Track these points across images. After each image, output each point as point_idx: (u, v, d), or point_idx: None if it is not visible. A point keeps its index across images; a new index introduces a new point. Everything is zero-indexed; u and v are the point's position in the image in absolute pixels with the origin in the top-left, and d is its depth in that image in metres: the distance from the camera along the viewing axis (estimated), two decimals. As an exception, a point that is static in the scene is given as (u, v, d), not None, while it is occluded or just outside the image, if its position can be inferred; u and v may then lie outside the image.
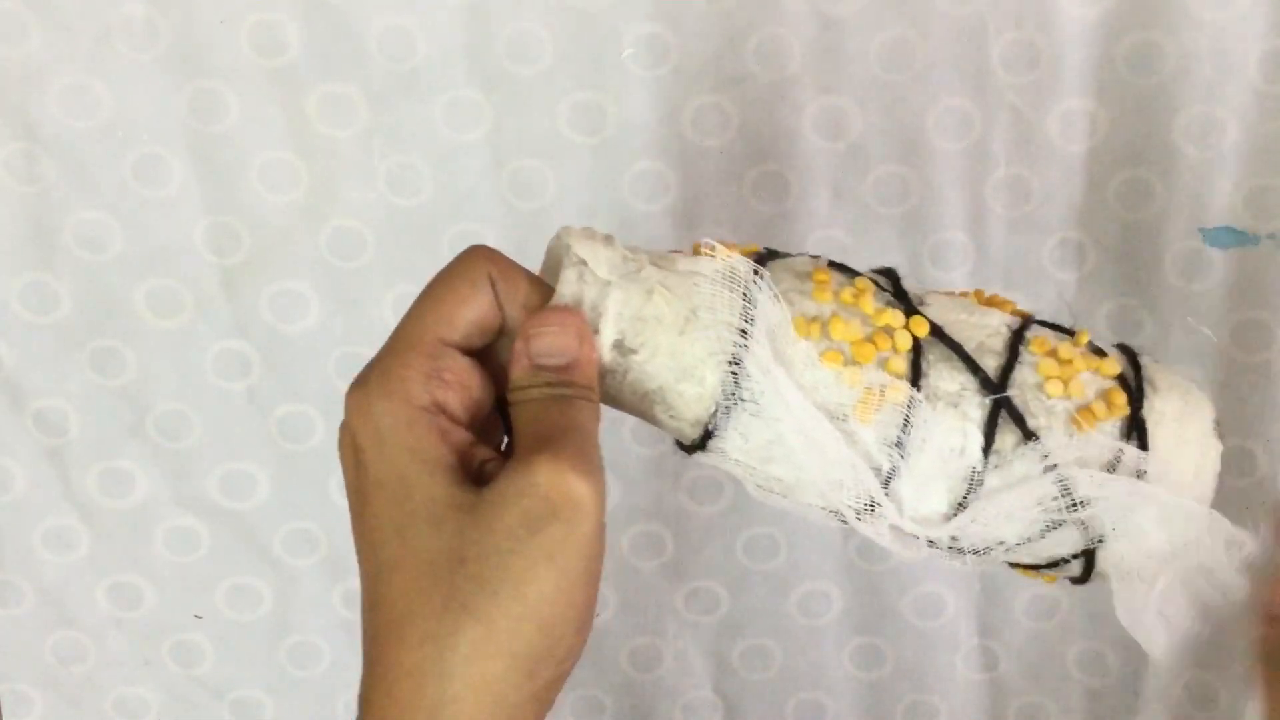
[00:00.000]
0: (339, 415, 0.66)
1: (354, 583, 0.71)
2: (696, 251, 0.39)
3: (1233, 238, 0.61)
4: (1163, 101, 0.60)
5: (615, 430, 0.66)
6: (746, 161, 0.62)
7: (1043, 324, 0.42)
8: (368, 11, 0.60)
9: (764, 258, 0.39)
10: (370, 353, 0.65)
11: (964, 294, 0.42)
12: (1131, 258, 0.63)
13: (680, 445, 0.39)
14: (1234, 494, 0.64)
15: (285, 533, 0.68)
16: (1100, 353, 0.40)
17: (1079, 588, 0.42)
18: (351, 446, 0.35)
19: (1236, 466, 0.64)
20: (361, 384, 0.35)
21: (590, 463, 0.33)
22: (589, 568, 0.33)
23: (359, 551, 0.35)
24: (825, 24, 0.60)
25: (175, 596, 0.69)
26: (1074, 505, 0.38)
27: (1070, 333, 0.41)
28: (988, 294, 0.43)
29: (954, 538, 0.39)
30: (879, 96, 0.61)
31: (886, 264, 0.63)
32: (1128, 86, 0.60)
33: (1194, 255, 0.62)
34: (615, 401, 0.38)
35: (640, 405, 0.38)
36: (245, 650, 0.70)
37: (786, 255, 0.40)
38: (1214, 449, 0.40)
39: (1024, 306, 0.63)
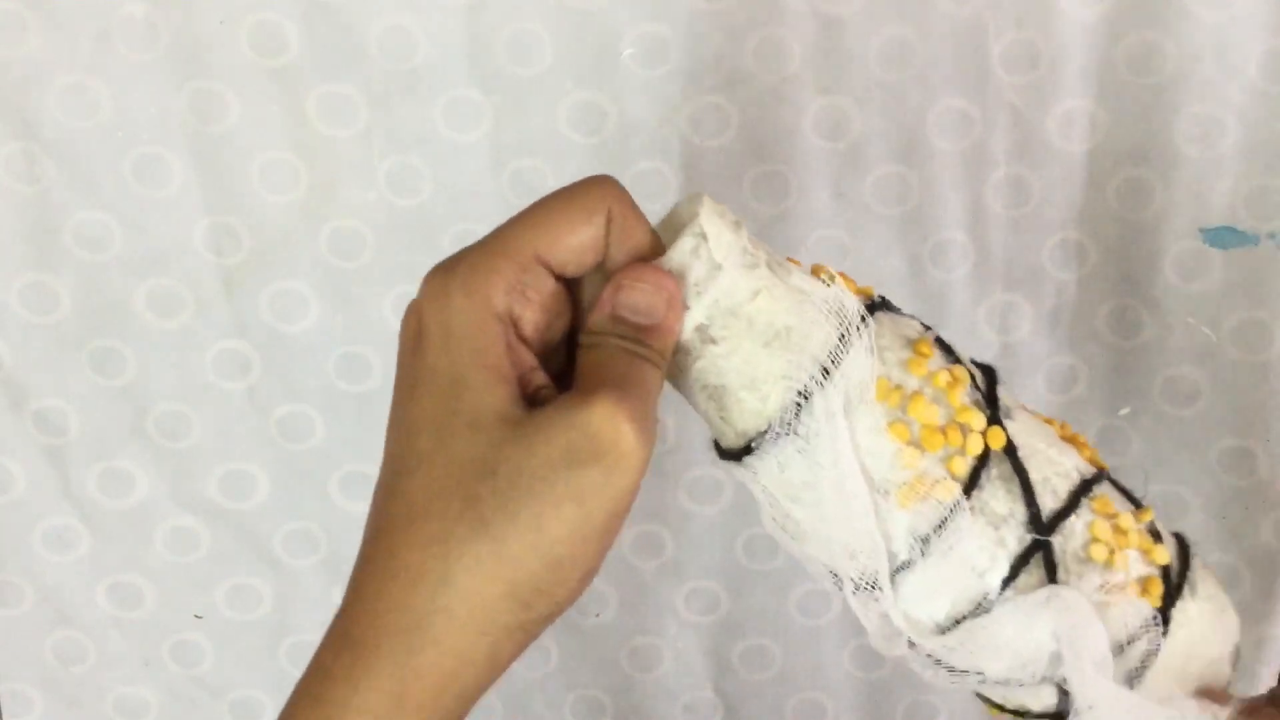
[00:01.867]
0: (339, 415, 0.66)
1: (354, 583, 0.71)
2: (815, 274, 0.38)
3: (1233, 238, 0.61)
4: (1163, 101, 0.60)
5: (615, 430, 0.66)
6: (746, 161, 0.62)
7: (1114, 484, 0.40)
8: (368, 11, 0.60)
9: (875, 306, 0.38)
10: (371, 352, 0.65)
11: (1049, 421, 0.41)
12: (1131, 258, 0.63)
13: (717, 447, 0.38)
14: (1234, 494, 0.65)
15: (285, 533, 0.68)
16: (1156, 535, 0.39)
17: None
18: (415, 330, 0.34)
19: (1236, 466, 0.64)
20: (446, 272, 0.34)
21: (647, 420, 0.32)
22: (613, 522, 0.32)
23: (389, 441, 0.34)
24: (825, 24, 0.60)
25: (175, 596, 0.69)
26: (1062, 671, 0.37)
27: (1137, 504, 0.40)
28: (1071, 429, 0.41)
29: (960, 645, 0.37)
30: (879, 96, 0.61)
31: (883, 264, 0.63)
32: (1128, 86, 0.60)
33: (1194, 255, 0.62)
34: (675, 380, 0.37)
35: (697, 394, 0.37)
36: (245, 650, 0.70)
37: (898, 312, 0.39)
38: (1223, 674, 0.39)
39: (1032, 317, 0.64)
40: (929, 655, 0.37)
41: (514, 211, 0.64)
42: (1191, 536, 0.41)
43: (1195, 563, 0.39)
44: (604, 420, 0.31)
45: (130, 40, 0.60)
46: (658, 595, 0.70)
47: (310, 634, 0.70)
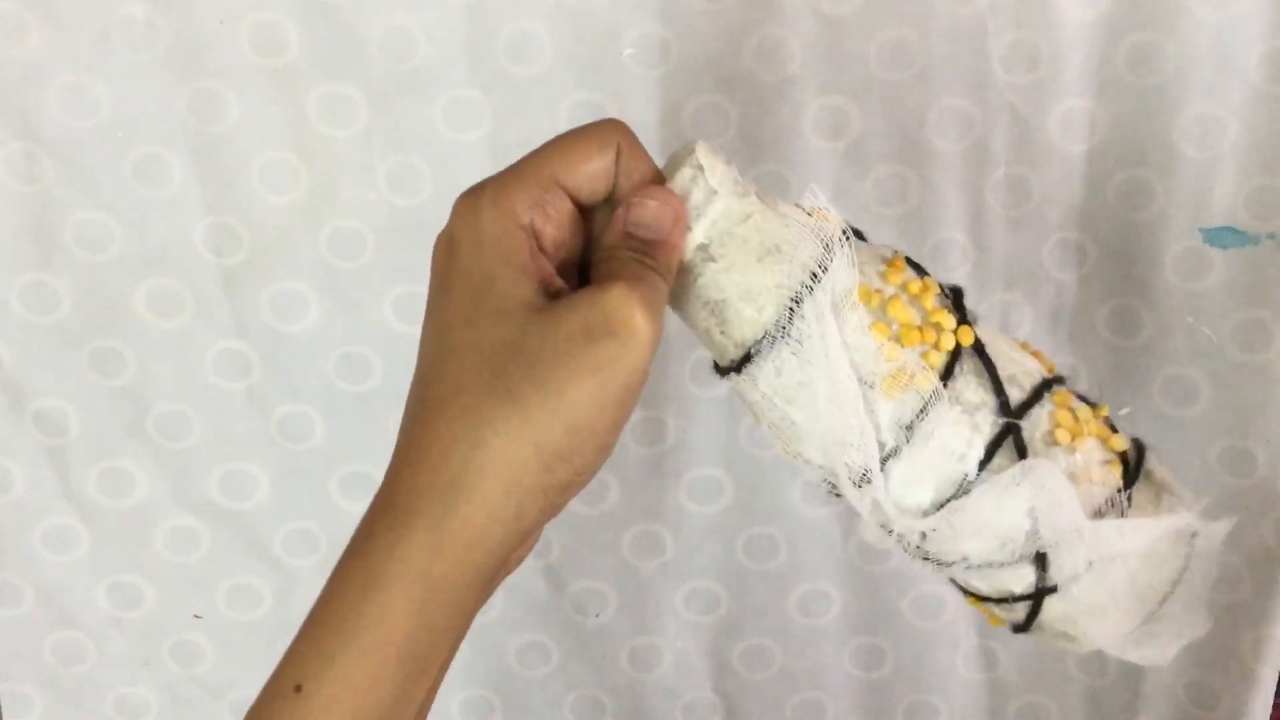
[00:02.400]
0: (339, 415, 0.66)
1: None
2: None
3: (1233, 238, 0.61)
4: (1163, 101, 0.60)
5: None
6: (746, 161, 0.62)
7: (1073, 391, 0.43)
8: (368, 11, 0.60)
9: (851, 234, 0.42)
10: (370, 352, 0.65)
11: (1014, 340, 0.45)
12: (1131, 258, 0.63)
13: (716, 366, 0.42)
14: (1234, 494, 0.65)
15: (285, 533, 0.68)
16: (1113, 429, 0.43)
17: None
18: (447, 243, 0.38)
19: (1236, 466, 0.64)
20: (475, 192, 0.38)
21: (656, 307, 0.36)
22: (626, 395, 0.36)
23: (424, 340, 0.38)
24: (825, 24, 0.60)
25: (175, 596, 0.69)
26: (1040, 544, 0.40)
27: (1093, 405, 0.43)
28: (1034, 349, 0.45)
29: (924, 535, 0.41)
30: (879, 96, 0.61)
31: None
32: (1128, 86, 0.60)
33: (1194, 255, 0.62)
34: (678, 301, 0.41)
35: (698, 312, 0.41)
36: (245, 650, 0.70)
37: (870, 243, 0.43)
38: (1179, 555, 0.42)
39: (1032, 317, 0.64)
40: (917, 546, 0.41)
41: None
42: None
43: (1151, 456, 0.43)
44: (619, 300, 0.35)
45: (130, 40, 0.60)
46: (658, 595, 0.70)
47: (310, 634, 0.70)
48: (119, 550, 0.68)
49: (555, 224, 0.38)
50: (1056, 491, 0.40)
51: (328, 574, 0.75)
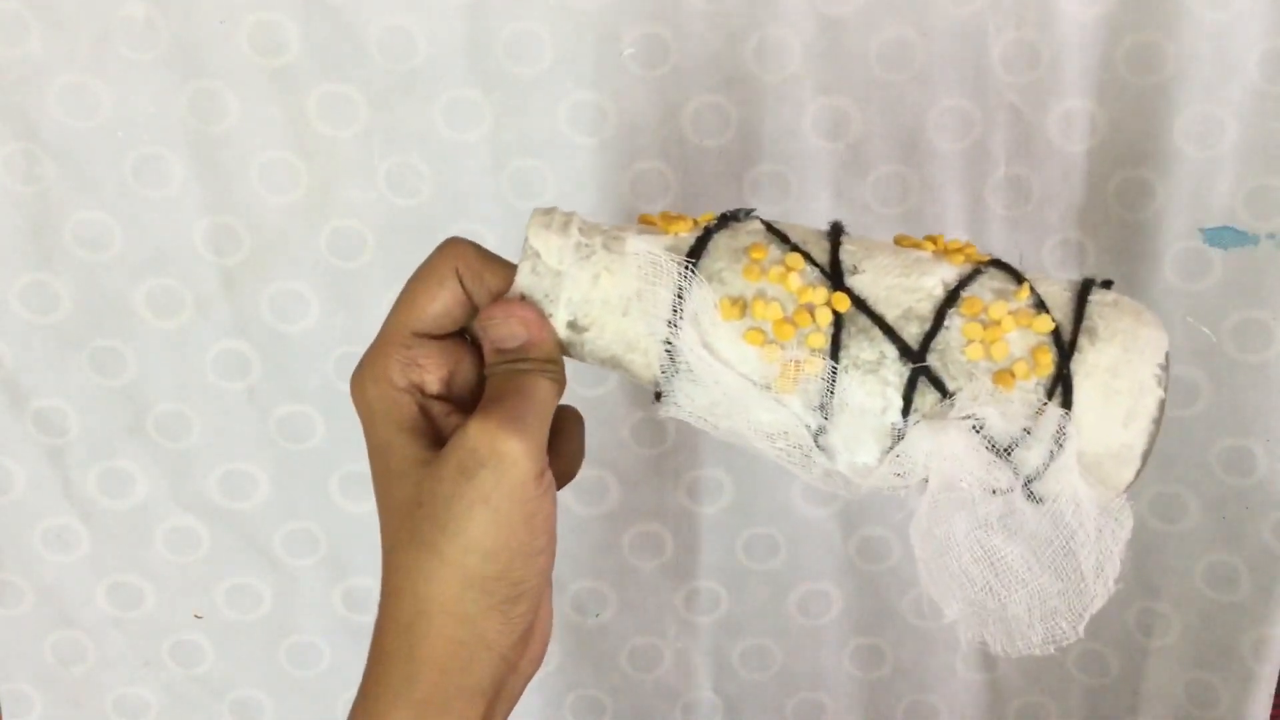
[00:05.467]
0: (339, 415, 0.66)
1: (354, 582, 0.71)
2: (647, 224, 0.44)
3: (1233, 238, 0.61)
4: (1163, 101, 0.60)
5: (615, 430, 0.67)
6: (746, 161, 0.62)
7: (999, 268, 0.43)
8: (368, 11, 0.60)
9: (713, 229, 0.43)
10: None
11: (921, 242, 0.44)
12: (1131, 258, 0.63)
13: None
14: (1234, 494, 0.65)
15: (285, 533, 0.68)
16: (1041, 307, 0.42)
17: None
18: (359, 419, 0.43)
19: (1236, 466, 0.64)
20: (357, 371, 0.42)
21: (522, 421, 0.39)
22: (524, 509, 0.39)
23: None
24: (825, 24, 0.60)
25: (175, 596, 0.69)
26: (995, 451, 0.41)
27: (1020, 280, 0.42)
28: (956, 242, 0.44)
29: (898, 475, 0.41)
30: (879, 96, 0.61)
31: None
32: (1128, 86, 0.60)
33: (1194, 255, 0.62)
34: (586, 362, 0.43)
35: (604, 366, 0.43)
36: (245, 650, 0.70)
37: (737, 220, 0.44)
38: (1151, 396, 0.41)
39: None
40: (893, 487, 0.42)
41: (514, 211, 0.64)
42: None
43: (1091, 309, 0.42)
44: (478, 434, 0.39)
45: (130, 40, 0.60)
46: (658, 595, 0.70)
47: (310, 634, 0.70)
48: (119, 550, 0.68)
49: (435, 367, 0.42)
50: (960, 447, 0.40)
51: (328, 574, 0.75)
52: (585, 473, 0.67)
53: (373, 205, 0.63)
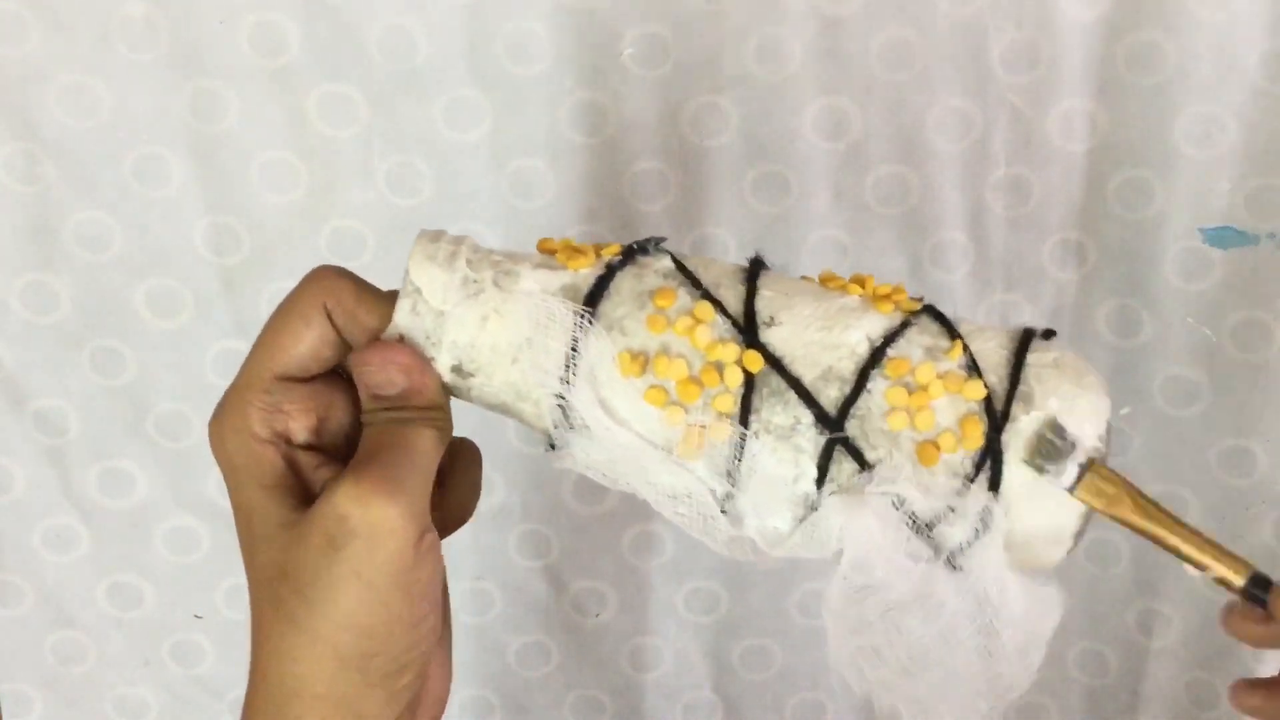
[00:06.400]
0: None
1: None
2: (546, 249, 0.39)
3: (1233, 238, 0.61)
4: (1163, 101, 0.60)
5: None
6: (746, 161, 0.62)
7: (932, 317, 0.39)
8: (368, 11, 0.60)
9: (617, 266, 0.38)
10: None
11: (849, 285, 0.40)
12: (1131, 258, 0.63)
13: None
14: (1234, 494, 0.65)
15: (285, 533, 0.68)
16: (974, 369, 0.38)
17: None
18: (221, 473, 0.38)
19: (1236, 466, 0.64)
20: (214, 420, 0.38)
21: (399, 483, 0.35)
22: (401, 580, 0.35)
23: None
24: (825, 24, 0.60)
25: (175, 596, 0.69)
26: (915, 527, 0.37)
27: (954, 334, 0.39)
28: (885, 287, 0.40)
29: (804, 545, 0.39)
30: (879, 96, 0.61)
31: (883, 264, 0.63)
32: (1128, 86, 0.60)
33: (1194, 255, 0.62)
34: (475, 404, 0.39)
35: (495, 412, 0.39)
36: (245, 650, 0.70)
37: (646, 254, 0.39)
38: (1100, 454, 0.38)
39: (1032, 317, 0.64)
40: (804, 550, 0.39)
41: (514, 211, 0.64)
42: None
43: (1028, 373, 0.38)
44: (348, 501, 0.34)
45: (130, 40, 0.60)
46: (658, 595, 0.70)
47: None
48: (119, 550, 0.68)
49: (302, 414, 0.37)
50: (875, 527, 0.37)
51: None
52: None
53: (373, 205, 0.63)
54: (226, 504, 0.71)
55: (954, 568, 0.38)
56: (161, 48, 0.60)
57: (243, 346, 0.64)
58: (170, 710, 0.71)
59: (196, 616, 0.70)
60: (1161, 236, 0.62)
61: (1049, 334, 0.40)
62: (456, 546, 0.74)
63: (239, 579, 0.71)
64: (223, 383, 0.65)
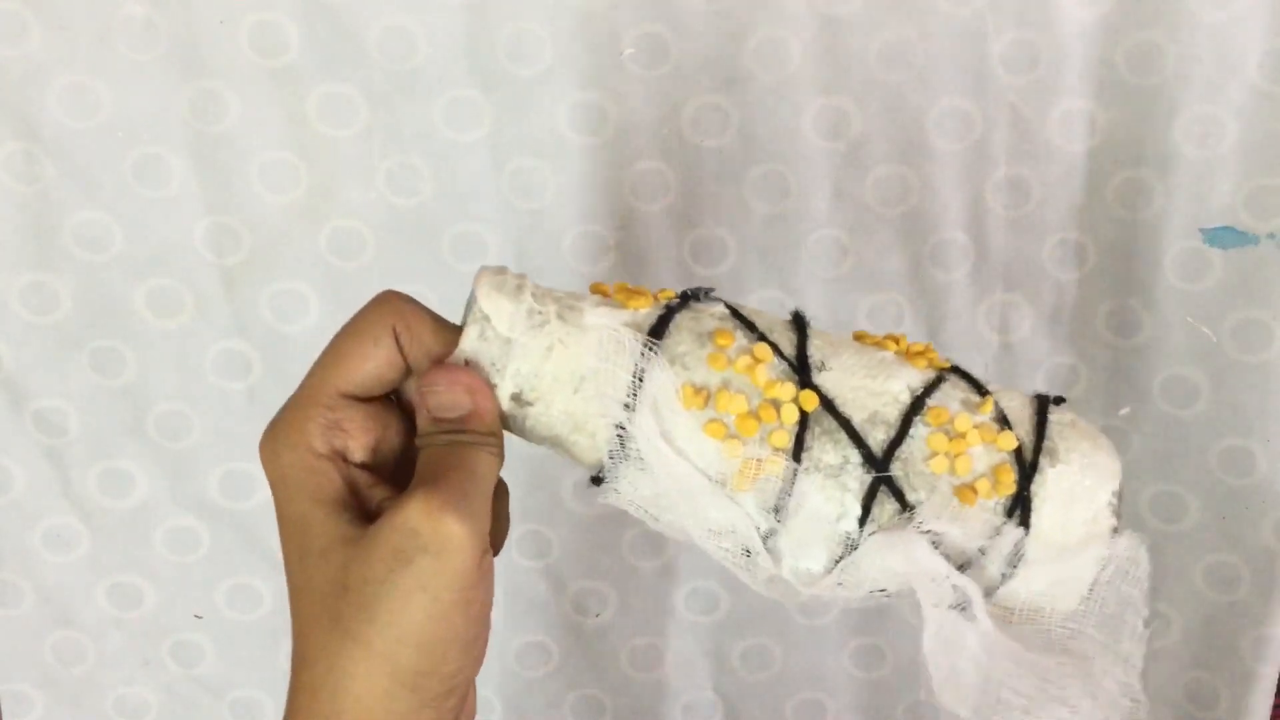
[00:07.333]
0: (339, 415, 0.66)
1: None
2: (600, 293, 0.41)
3: (1233, 238, 0.61)
4: (1163, 101, 0.60)
5: (615, 430, 0.67)
6: (746, 161, 0.62)
7: (960, 375, 0.42)
8: (368, 11, 0.60)
9: (675, 308, 0.40)
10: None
11: (883, 341, 0.42)
12: (1131, 258, 0.63)
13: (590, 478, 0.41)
14: (1234, 494, 0.65)
15: (285, 533, 0.68)
16: (1004, 422, 0.40)
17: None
18: (270, 484, 0.39)
19: (1236, 466, 0.64)
20: (270, 433, 0.38)
21: (467, 501, 0.35)
22: (464, 597, 0.35)
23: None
24: (825, 24, 0.60)
25: (175, 596, 0.69)
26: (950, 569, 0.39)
27: (984, 392, 0.41)
28: (917, 345, 0.43)
29: (839, 584, 0.40)
30: (879, 96, 0.61)
31: (883, 264, 0.63)
32: (1128, 86, 0.60)
33: (1194, 255, 0.62)
34: (525, 438, 0.40)
35: (543, 444, 0.40)
36: (245, 650, 0.70)
37: (699, 301, 0.41)
38: (1104, 525, 0.40)
39: (1032, 317, 0.64)
40: (826, 596, 0.40)
41: (514, 211, 0.64)
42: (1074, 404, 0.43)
43: (1051, 429, 0.41)
44: (420, 516, 0.34)
45: (130, 40, 0.60)
46: (658, 595, 0.70)
47: (310, 634, 0.70)
48: (119, 550, 0.68)
49: (358, 434, 0.38)
50: (922, 561, 0.38)
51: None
52: (586, 473, 0.67)
53: (373, 205, 0.63)
54: (227, 504, 0.72)
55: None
56: (161, 48, 0.60)
57: (243, 346, 0.65)
58: (170, 710, 0.71)
59: (196, 616, 0.70)
60: (1161, 236, 0.62)
61: (1059, 400, 0.43)
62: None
63: (239, 579, 0.71)
64: (223, 383, 0.66)
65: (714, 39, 0.60)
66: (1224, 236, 0.61)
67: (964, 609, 0.39)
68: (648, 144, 0.62)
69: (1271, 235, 0.61)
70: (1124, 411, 0.65)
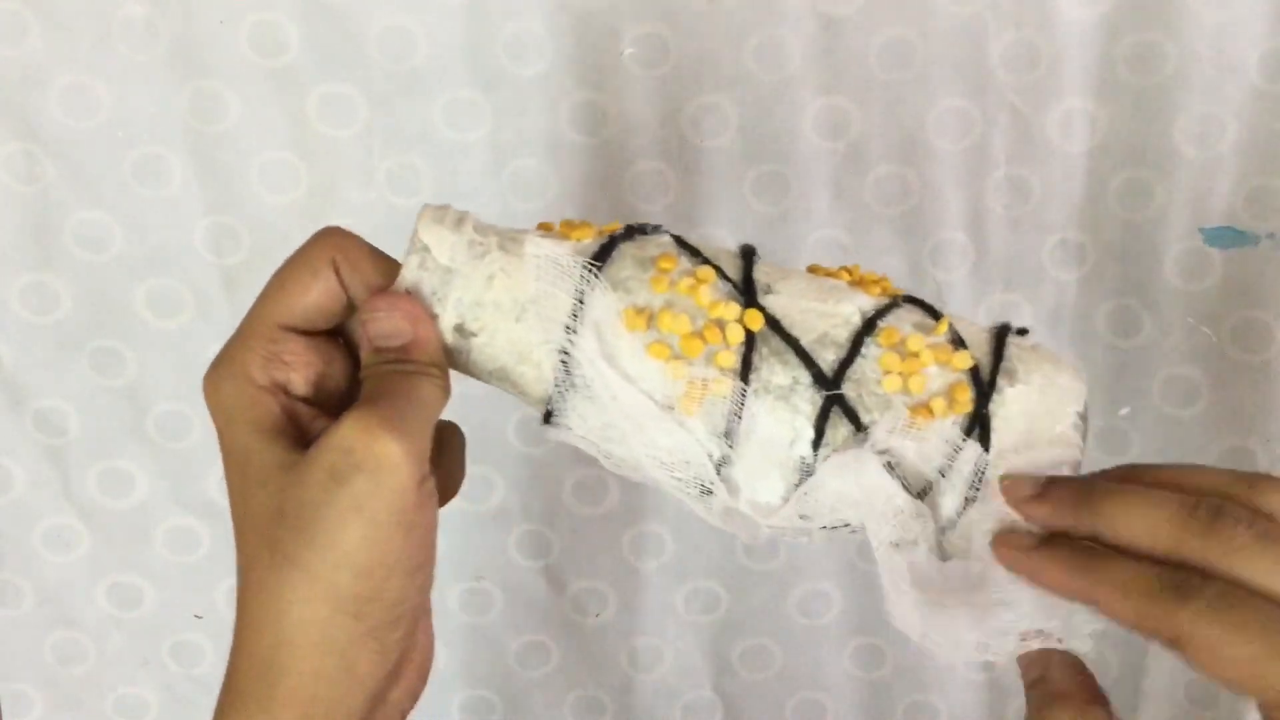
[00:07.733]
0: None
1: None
2: (545, 228, 0.40)
3: (1233, 238, 0.61)
4: (1163, 101, 0.60)
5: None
6: (746, 161, 0.62)
7: (915, 304, 0.41)
8: (368, 11, 0.60)
9: (619, 238, 0.40)
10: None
11: (836, 272, 0.42)
12: (1131, 258, 0.63)
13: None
14: (1234, 494, 0.64)
15: (285, 533, 0.68)
16: (959, 343, 0.40)
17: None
18: (214, 421, 0.39)
19: (1236, 466, 0.64)
20: (212, 367, 0.38)
21: (404, 421, 0.35)
22: (404, 519, 0.34)
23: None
24: (825, 24, 0.60)
25: (175, 596, 0.69)
26: (909, 491, 0.39)
27: (938, 316, 0.41)
28: (871, 274, 0.42)
29: (803, 517, 0.39)
30: (879, 96, 0.61)
31: (883, 264, 0.63)
32: (1128, 86, 0.60)
33: (1194, 255, 0.62)
34: (471, 374, 0.40)
35: (490, 380, 0.40)
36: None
37: (644, 233, 0.40)
38: (1072, 444, 0.39)
39: (1032, 317, 0.64)
40: (798, 527, 0.39)
41: (514, 211, 0.64)
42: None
43: (1011, 350, 0.40)
44: (355, 433, 0.34)
45: (130, 40, 0.60)
46: (658, 595, 0.70)
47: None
48: (119, 550, 0.68)
49: (302, 366, 0.38)
50: (875, 482, 0.38)
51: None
52: (586, 472, 0.67)
53: (373, 205, 0.63)
54: (227, 504, 0.71)
55: (942, 550, 0.39)
56: (161, 48, 0.60)
57: (243, 346, 0.65)
58: (170, 710, 0.71)
59: (196, 616, 0.70)
60: (1161, 237, 0.62)
61: (1023, 331, 0.42)
62: (456, 546, 0.75)
63: (239, 579, 0.71)
64: (223, 383, 0.65)
65: (714, 39, 0.60)
66: (1224, 236, 0.61)
67: (915, 544, 0.39)
68: (648, 144, 0.62)
69: (1271, 235, 0.61)
70: (1124, 411, 0.65)
